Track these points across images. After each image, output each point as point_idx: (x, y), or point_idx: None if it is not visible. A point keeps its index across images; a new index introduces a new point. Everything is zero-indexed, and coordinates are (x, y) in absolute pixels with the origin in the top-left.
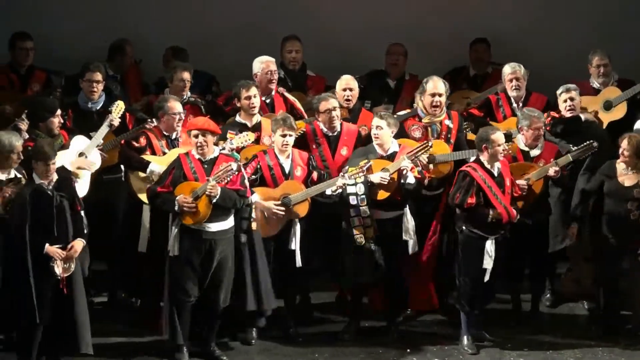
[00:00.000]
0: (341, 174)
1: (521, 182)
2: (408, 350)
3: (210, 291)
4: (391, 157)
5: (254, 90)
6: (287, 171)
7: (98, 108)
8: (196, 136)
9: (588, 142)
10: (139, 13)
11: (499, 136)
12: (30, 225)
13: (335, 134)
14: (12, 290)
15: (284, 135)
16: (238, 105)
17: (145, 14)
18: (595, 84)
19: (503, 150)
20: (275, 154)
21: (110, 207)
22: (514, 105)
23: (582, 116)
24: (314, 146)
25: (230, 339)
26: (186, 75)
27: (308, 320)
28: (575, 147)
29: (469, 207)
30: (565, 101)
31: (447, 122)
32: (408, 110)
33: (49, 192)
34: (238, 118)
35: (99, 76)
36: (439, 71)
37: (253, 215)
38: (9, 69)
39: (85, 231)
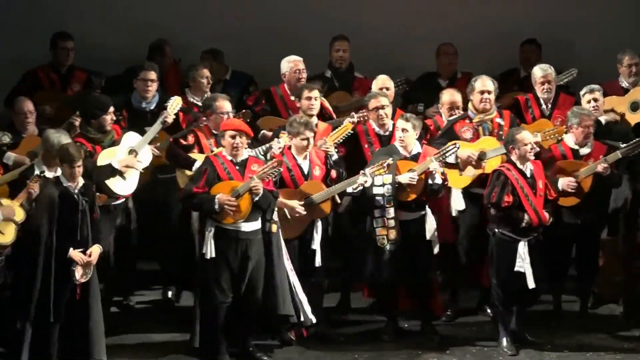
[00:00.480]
0: (362, 171)
1: (569, 180)
2: (447, 351)
3: (247, 292)
4: (414, 158)
5: (316, 93)
6: (305, 172)
7: (152, 107)
8: (232, 137)
9: (638, 139)
10: (177, 13)
11: (525, 136)
12: (57, 227)
13: (387, 133)
14: (27, 288)
15: (306, 139)
16: (298, 105)
17: (184, 13)
18: (625, 83)
19: (531, 149)
20: (293, 155)
21: (164, 206)
22: (543, 106)
23: (602, 119)
24: (366, 145)
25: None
26: (207, 73)
27: (347, 320)
28: (624, 144)
29: (506, 206)
30: (588, 102)
31: (498, 119)
32: (459, 114)
33: (75, 195)
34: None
35: (153, 75)
36: (489, 73)
37: (275, 217)
38: (49, 68)
39: (132, 227)
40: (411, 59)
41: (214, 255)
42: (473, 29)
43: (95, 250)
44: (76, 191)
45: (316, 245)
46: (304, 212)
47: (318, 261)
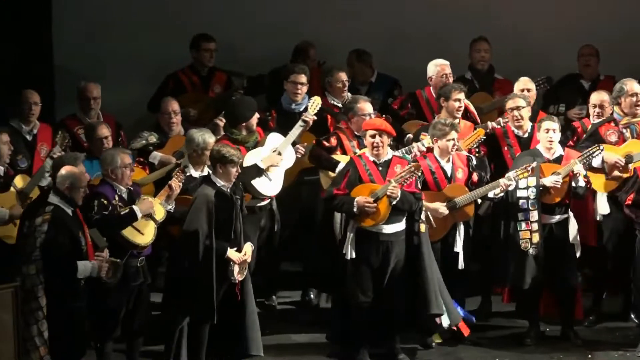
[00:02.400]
0: (506, 175)
1: None
2: (589, 355)
3: (388, 292)
4: (557, 160)
5: (461, 95)
6: (449, 174)
7: (301, 110)
8: (373, 136)
9: None
10: (322, 15)
11: None
12: (215, 227)
13: (527, 136)
14: (189, 289)
15: (452, 140)
16: (444, 105)
17: (330, 15)
18: None
19: None
20: (436, 158)
21: (308, 208)
22: None
23: None
24: (505, 147)
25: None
26: (344, 76)
27: (489, 324)
28: None
29: (628, 204)
30: None
31: None
32: (604, 117)
33: (229, 195)
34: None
35: (303, 78)
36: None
37: (423, 217)
38: (190, 71)
39: (276, 229)
40: (553, 60)
41: (354, 256)
42: (616, 30)
43: (249, 248)
44: (229, 190)
45: (459, 248)
46: (447, 212)
47: (461, 264)
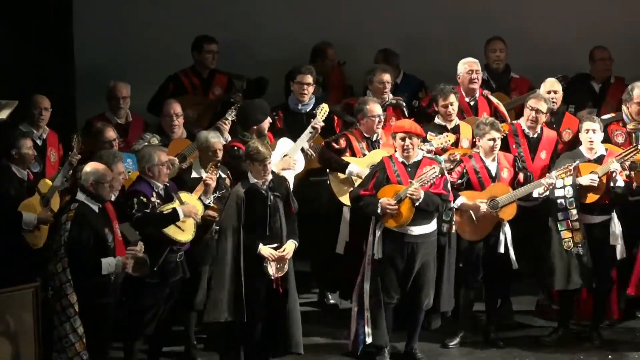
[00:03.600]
0: (548, 174)
1: None
2: (610, 356)
3: (412, 294)
4: (598, 160)
5: (451, 99)
6: (493, 174)
7: (308, 110)
8: (402, 139)
9: None
10: (344, 15)
11: None
12: (245, 224)
13: (536, 136)
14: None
15: (492, 139)
16: (436, 109)
17: (352, 15)
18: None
19: None
20: (481, 157)
21: (314, 208)
22: None
23: None
24: (513, 146)
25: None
26: (387, 77)
27: (509, 324)
28: None
29: None
30: None
31: None
32: (613, 115)
33: (263, 191)
34: (437, 120)
35: (309, 79)
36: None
37: (454, 218)
38: (190, 72)
39: None
40: (568, 61)
41: (381, 255)
42: (629, 33)
43: (290, 245)
44: (264, 187)
45: (503, 248)
46: (485, 209)
47: (514, 264)
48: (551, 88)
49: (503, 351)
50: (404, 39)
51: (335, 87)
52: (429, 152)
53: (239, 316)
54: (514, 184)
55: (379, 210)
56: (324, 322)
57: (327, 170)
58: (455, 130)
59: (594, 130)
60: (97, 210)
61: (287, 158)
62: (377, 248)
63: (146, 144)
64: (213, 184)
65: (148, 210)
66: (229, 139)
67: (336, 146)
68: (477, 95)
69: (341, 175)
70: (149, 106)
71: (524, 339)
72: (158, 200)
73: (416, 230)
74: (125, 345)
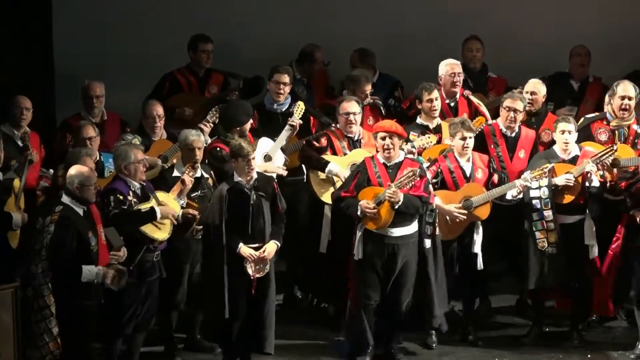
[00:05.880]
0: (523, 175)
1: None
2: (589, 355)
3: (392, 295)
4: (573, 161)
5: (435, 94)
6: (468, 174)
7: (283, 110)
8: (383, 138)
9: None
10: (326, 15)
11: None
12: (227, 222)
13: (514, 135)
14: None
15: (463, 138)
16: (419, 107)
17: (334, 15)
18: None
19: None
20: (456, 157)
21: (292, 208)
22: None
23: None
24: (492, 146)
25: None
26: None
27: (488, 324)
28: None
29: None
30: None
31: (635, 126)
32: (597, 114)
33: (246, 190)
34: (419, 120)
35: (286, 78)
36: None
37: (431, 219)
38: (187, 71)
39: None
40: (546, 60)
41: (361, 257)
42: (609, 33)
43: (271, 246)
44: (248, 186)
45: (477, 248)
46: (463, 217)
47: (480, 265)
48: (534, 89)
49: (483, 350)
50: (384, 38)
51: (319, 88)
52: (410, 152)
53: (219, 313)
54: (489, 184)
55: (359, 212)
56: (298, 321)
57: (306, 169)
58: (438, 129)
59: (569, 132)
60: (81, 214)
61: (270, 163)
62: (358, 249)
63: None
64: (189, 184)
65: (125, 207)
66: (209, 140)
67: (317, 144)
68: (458, 96)
69: (321, 174)
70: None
71: (504, 338)
72: (135, 199)
73: (396, 231)
74: (105, 346)
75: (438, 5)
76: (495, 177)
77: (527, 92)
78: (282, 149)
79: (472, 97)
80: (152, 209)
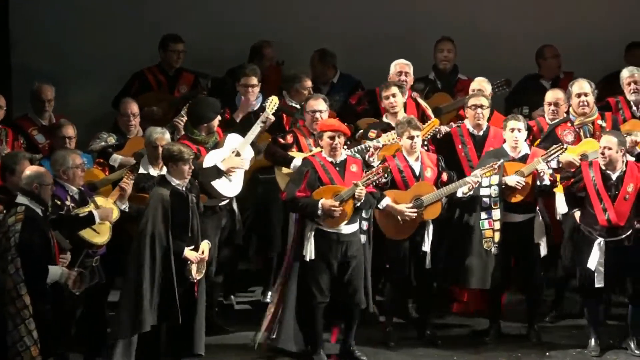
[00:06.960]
0: (473, 172)
1: None
2: (547, 353)
3: (347, 292)
4: (523, 159)
5: (393, 90)
6: (417, 173)
7: (255, 109)
8: (331, 137)
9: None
10: (285, 15)
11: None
12: (171, 227)
13: (482, 134)
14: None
15: (411, 137)
16: (383, 105)
17: (293, 16)
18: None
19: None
20: (404, 157)
21: (264, 206)
22: (634, 108)
23: None
24: (459, 146)
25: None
26: (309, 83)
27: (448, 323)
28: None
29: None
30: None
31: (599, 121)
32: (560, 118)
33: (184, 193)
34: (385, 119)
35: (254, 80)
36: (594, 76)
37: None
38: (157, 70)
39: (237, 228)
40: (515, 61)
41: (313, 257)
42: (578, 31)
43: (205, 246)
44: (184, 189)
45: (427, 247)
46: (414, 216)
47: (428, 263)
48: (479, 87)
49: (441, 349)
50: (349, 38)
51: (272, 87)
52: (376, 149)
53: (173, 319)
54: (438, 183)
55: (319, 212)
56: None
57: (271, 164)
58: None
59: (518, 130)
60: (40, 213)
61: (236, 159)
62: (309, 249)
63: (103, 143)
64: (129, 189)
65: (63, 212)
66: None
67: (282, 141)
68: (406, 97)
69: (286, 170)
70: (113, 103)
71: (462, 337)
72: (72, 204)
73: (348, 229)
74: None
75: (405, 5)
76: (445, 176)
77: (478, 91)
78: (254, 147)
79: (419, 100)
80: (90, 213)
